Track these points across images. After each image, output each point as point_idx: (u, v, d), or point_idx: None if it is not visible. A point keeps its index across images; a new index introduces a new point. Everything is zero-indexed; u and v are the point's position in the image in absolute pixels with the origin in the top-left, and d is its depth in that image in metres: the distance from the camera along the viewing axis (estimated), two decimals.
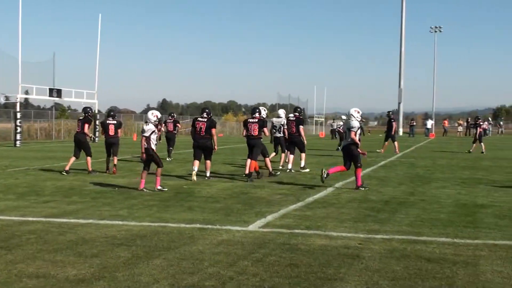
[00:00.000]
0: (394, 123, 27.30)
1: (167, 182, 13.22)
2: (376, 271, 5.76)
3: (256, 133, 14.43)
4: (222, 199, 10.82)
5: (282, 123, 16.57)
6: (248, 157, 14.37)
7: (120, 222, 8.40)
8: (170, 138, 22.42)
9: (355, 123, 12.53)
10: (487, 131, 58.48)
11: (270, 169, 15.23)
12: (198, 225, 8.15)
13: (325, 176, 12.30)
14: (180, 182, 13.77)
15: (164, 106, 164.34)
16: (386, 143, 27.13)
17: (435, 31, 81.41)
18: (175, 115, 24.51)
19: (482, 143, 27.11)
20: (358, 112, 12.82)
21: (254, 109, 15.08)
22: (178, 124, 23.37)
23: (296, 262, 6.09)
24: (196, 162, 14.26)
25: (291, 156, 16.76)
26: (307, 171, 16.44)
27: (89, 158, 16.21)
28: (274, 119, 16.94)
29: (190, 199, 10.88)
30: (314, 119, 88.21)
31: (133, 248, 6.75)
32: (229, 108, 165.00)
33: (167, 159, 21.03)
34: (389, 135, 26.96)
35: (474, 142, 27.79)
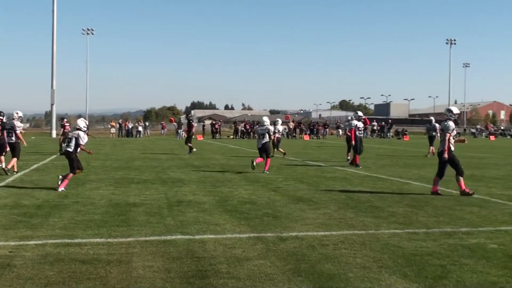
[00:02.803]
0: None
1: None
2: (29, 279, 5.58)
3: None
4: None
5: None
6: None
7: None
8: None
9: (271, 127, 18.43)
10: (139, 134, 61.09)
11: None
12: None
13: (254, 164, 17.43)
14: None
15: None
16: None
17: (88, 33, 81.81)
18: None
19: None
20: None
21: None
22: None
23: None
24: (2, 158, 16.35)
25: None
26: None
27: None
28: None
29: None
30: None
31: None
32: None
33: None
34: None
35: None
